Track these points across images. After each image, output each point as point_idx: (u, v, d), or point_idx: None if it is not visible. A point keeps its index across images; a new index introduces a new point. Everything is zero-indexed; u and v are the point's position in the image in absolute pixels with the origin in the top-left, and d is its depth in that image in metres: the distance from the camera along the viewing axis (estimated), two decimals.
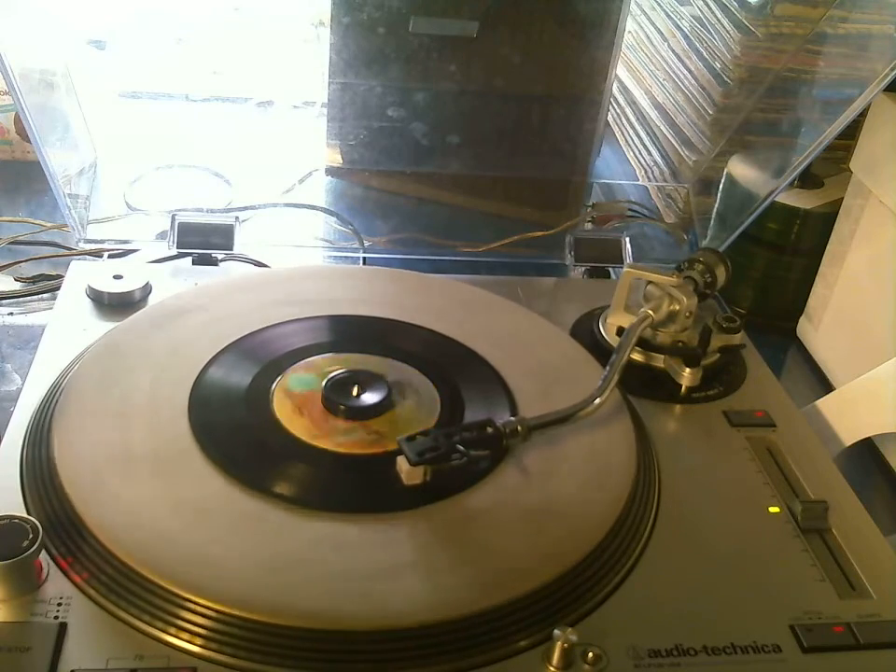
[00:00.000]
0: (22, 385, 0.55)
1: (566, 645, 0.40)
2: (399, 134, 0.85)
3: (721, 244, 0.76)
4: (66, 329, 0.60)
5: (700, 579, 0.47)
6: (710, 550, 0.48)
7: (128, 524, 0.44)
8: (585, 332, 0.65)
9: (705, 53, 0.84)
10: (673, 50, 0.91)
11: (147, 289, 0.64)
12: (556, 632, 0.40)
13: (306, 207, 0.83)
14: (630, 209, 0.86)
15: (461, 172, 0.87)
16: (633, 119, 1.01)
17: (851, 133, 0.74)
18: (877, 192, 0.70)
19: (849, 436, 0.63)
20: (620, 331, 0.61)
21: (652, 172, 0.94)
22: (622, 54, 0.88)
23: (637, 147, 0.99)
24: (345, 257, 0.80)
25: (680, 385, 0.60)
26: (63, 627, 0.40)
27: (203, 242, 0.72)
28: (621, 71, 1.01)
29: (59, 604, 0.41)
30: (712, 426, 0.58)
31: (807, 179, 0.79)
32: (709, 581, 0.46)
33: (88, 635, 0.40)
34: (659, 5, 0.95)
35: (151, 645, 0.40)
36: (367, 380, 0.54)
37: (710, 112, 0.83)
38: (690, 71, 0.87)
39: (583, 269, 0.77)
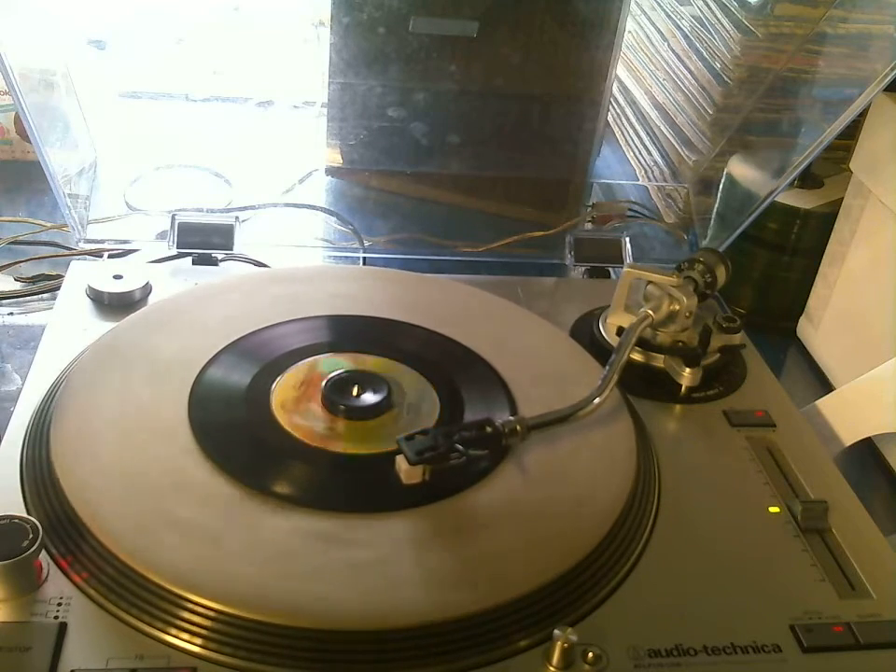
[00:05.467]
0: (22, 385, 0.55)
1: (566, 645, 0.40)
2: (399, 134, 0.85)
3: (721, 244, 0.76)
4: (66, 329, 0.60)
5: (700, 579, 0.47)
6: (710, 550, 0.48)
7: (128, 523, 0.44)
8: (585, 332, 0.65)
9: (705, 53, 0.84)
10: (673, 50, 0.91)
11: (147, 289, 0.64)
12: (556, 632, 0.40)
13: (306, 207, 0.83)
14: (630, 209, 0.86)
15: (461, 172, 0.87)
16: (633, 119, 1.01)
17: (851, 133, 0.74)
18: (877, 192, 0.70)
19: (849, 436, 0.63)
20: (620, 331, 0.61)
21: (652, 172, 0.94)
22: (622, 54, 0.88)
23: (637, 147, 0.99)
24: (345, 257, 0.80)
25: (680, 385, 0.60)
26: (63, 627, 0.40)
27: (203, 242, 0.72)
28: (621, 71, 1.01)
29: (59, 604, 0.41)
30: (712, 426, 0.58)
31: (807, 179, 0.79)
32: (709, 581, 0.47)
33: (88, 635, 0.40)
34: (659, 5, 0.95)
35: (151, 645, 0.40)
36: (367, 380, 0.55)
37: (710, 112, 0.83)
38: (690, 71, 0.87)
39: (583, 269, 0.77)
